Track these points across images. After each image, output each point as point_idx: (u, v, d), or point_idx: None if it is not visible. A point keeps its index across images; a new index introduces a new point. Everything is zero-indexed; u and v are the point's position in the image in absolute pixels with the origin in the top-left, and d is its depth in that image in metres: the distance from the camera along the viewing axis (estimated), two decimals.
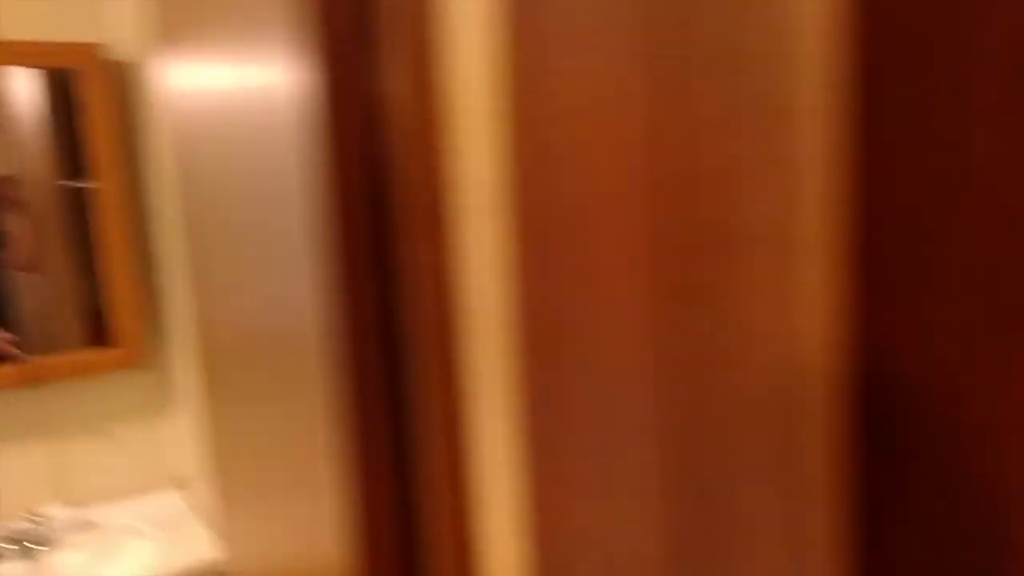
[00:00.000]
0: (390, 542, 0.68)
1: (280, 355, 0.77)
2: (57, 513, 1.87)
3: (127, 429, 2.06)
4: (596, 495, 0.58)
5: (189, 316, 1.76)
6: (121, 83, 1.96)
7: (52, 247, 1.93)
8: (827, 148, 0.63)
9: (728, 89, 0.61)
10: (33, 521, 1.82)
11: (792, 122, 0.62)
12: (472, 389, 0.60)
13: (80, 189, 1.92)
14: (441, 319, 0.61)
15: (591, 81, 0.60)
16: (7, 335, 1.91)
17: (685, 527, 0.61)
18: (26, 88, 1.87)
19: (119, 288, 1.98)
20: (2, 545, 1.76)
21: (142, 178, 2.00)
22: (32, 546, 1.78)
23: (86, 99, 1.90)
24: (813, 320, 0.64)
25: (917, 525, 0.76)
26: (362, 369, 0.66)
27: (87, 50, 1.89)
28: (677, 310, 0.60)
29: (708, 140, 0.60)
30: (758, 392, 0.62)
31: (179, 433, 2.05)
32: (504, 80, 0.62)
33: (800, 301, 0.64)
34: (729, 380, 0.62)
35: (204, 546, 1.75)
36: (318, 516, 0.74)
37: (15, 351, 1.91)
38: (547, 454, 0.57)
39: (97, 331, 1.99)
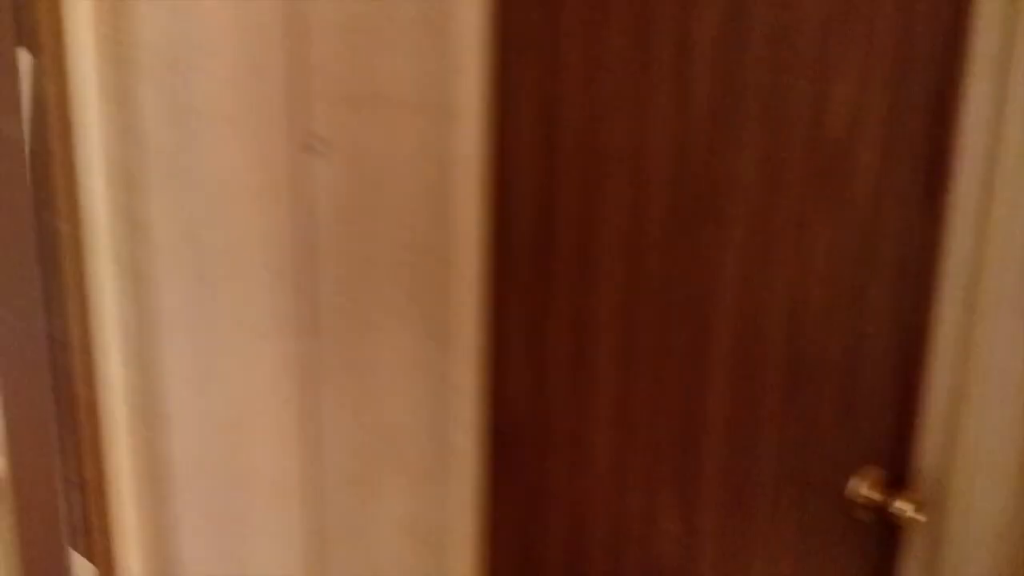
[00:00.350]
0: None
1: None
2: None
3: None
4: (206, 327, 0.59)
5: None
6: None
7: None
8: (482, 20, 0.63)
9: None
10: None
11: None
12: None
13: None
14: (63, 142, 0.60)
15: None
16: None
17: (316, 361, 0.63)
18: None
19: None
20: None
21: None
22: None
23: None
24: (461, 180, 0.66)
25: (545, 369, 0.80)
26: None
27: None
28: (311, 159, 0.60)
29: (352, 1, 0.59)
30: (399, 241, 0.64)
31: None
32: None
33: (449, 161, 0.65)
34: (367, 229, 0.63)
35: None
36: None
37: None
38: (154, 290, 0.57)
39: None
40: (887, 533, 1.11)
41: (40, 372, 0.69)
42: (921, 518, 1.02)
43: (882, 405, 1.06)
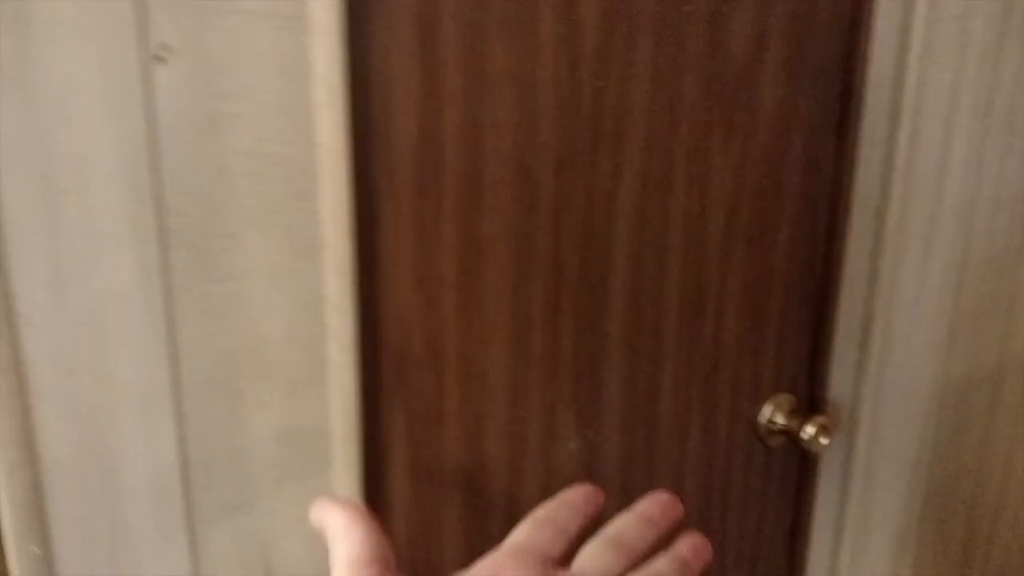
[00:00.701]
0: None
1: None
2: None
3: None
4: (57, 232, 0.61)
5: None
6: None
7: None
8: None
9: None
10: None
11: None
12: None
13: None
14: None
15: None
16: None
17: (173, 270, 0.64)
18: None
19: None
20: None
21: None
22: None
23: None
24: (321, 94, 0.67)
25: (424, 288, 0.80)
26: None
27: None
28: (156, 67, 0.61)
29: None
30: (254, 153, 0.65)
31: None
32: None
33: (305, 74, 0.66)
34: (219, 138, 0.64)
35: None
36: None
37: None
38: None
39: None
40: (799, 460, 1.14)
41: None
42: (824, 442, 1.04)
43: (794, 334, 1.08)
